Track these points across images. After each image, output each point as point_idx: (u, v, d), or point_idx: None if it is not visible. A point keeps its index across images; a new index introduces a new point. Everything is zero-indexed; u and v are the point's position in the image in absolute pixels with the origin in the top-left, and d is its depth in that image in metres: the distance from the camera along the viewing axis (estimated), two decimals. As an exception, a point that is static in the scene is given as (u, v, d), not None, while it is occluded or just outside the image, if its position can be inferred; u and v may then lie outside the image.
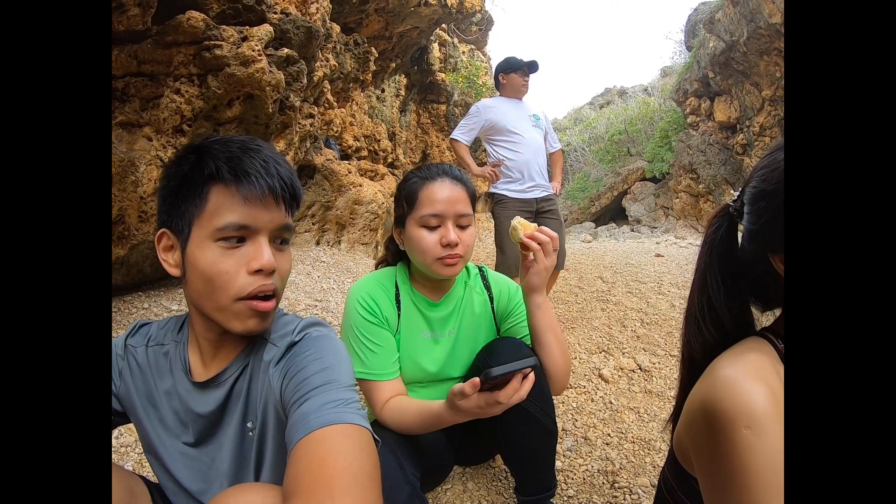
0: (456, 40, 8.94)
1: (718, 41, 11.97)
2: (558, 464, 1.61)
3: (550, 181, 3.07)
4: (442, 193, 1.18)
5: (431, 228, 1.18)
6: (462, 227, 1.20)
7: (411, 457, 1.16)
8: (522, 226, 1.19)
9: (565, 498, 1.45)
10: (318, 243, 4.43)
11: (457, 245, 1.17)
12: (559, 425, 1.73)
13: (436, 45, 8.15)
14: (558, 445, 1.65)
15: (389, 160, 6.34)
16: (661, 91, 17.00)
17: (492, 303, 1.37)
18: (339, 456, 0.60)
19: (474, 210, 1.25)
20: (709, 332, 0.79)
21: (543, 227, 1.17)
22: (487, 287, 1.38)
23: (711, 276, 0.80)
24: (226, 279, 0.71)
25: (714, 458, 0.62)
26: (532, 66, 3.02)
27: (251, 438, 0.79)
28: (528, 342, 1.28)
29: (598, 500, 1.45)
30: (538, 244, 1.15)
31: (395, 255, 1.35)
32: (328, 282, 3.65)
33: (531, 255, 1.19)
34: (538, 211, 2.92)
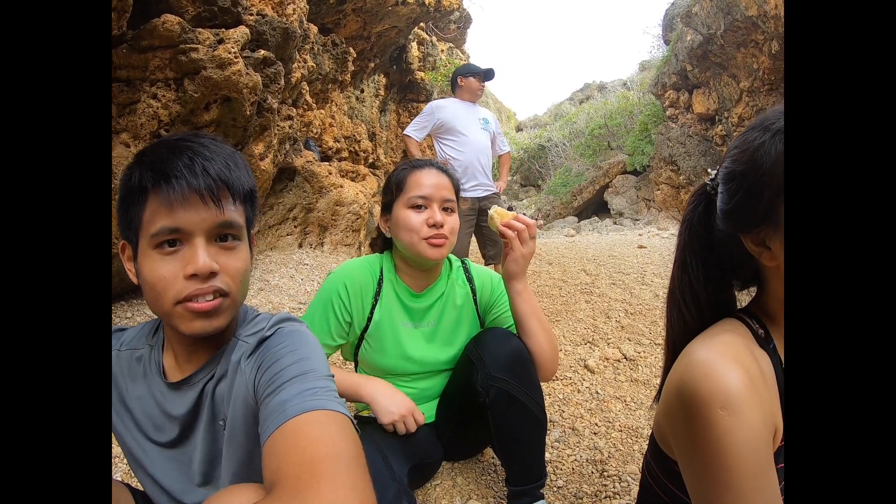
0: (434, 39, 8.93)
1: (696, 34, 12.10)
2: (546, 455, 1.62)
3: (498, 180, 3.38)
4: (430, 179, 1.26)
5: (419, 210, 1.24)
6: (447, 213, 1.26)
7: (399, 454, 1.18)
8: (499, 214, 1.23)
9: (555, 489, 1.47)
10: (300, 246, 4.40)
11: (442, 226, 1.23)
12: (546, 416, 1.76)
13: (414, 44, 8.14)
14: (546, 437, 1.67)
15: (370, 161, 6.31)
16: (640, 85, 17.17)
17: (474, 295, 1.41)
18: (321, 441, 0.58)
19: (458, 203, 1.30)
20: (688, 312, 0.80)
21: (520, 216, 1.21)
22: (470, 280, 1.42)
23: (690, 255, 0.81)
24: (164, 285, 0.70)
25: (691, 440, 0.63)
26: (489, 74, 3.30)
27: (223, 435, 0.79)
28: (515, 331, 1.31)
29: (588, 489, 1.47)
30: (514, 232, 1.20)
31: (382, 244, 1.40)
32: (312, 284, 3.63)
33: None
34: (479, 209, 3.13)
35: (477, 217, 3.14)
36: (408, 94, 8.11)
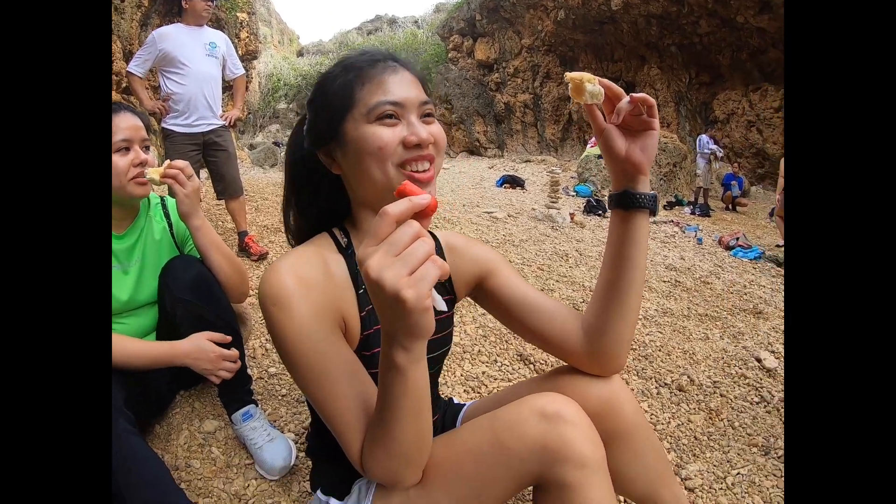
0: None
1: (493, -13, 12.98)
2: (274, 369, 1.82)
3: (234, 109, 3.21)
4: (127, 122, 1.34)
5: (123, 153, 1.32)
6: (146, 151, 1.38)
7: (115, 383, 1.20)
8: (154, 171, 1.33)
9: (279, 397, 1.70)
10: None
11: (146, 162, 1.34)
12: (238, 329, 1.84)
13: (182, -51, 7.28)
14: (243, 346, 1.81)
15: (123, 85, 5.47)
16: (430, 25, 17.58)
17: (171, 228, 1.50)
18: None
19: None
20: (300, 223, 0.92)
21: (172, 162, 1.34)
22: (167, 215, 1.52)
23: (296, 176, 0.91)
24: None
25: (268, 332, 0.78)
26: None
27: None
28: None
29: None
30: (171, 179, 1.33)
31: None
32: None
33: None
34: (205, 143, 3.01)
35: (203, 152, 3.02)
36: (174, 7, 7.33)
